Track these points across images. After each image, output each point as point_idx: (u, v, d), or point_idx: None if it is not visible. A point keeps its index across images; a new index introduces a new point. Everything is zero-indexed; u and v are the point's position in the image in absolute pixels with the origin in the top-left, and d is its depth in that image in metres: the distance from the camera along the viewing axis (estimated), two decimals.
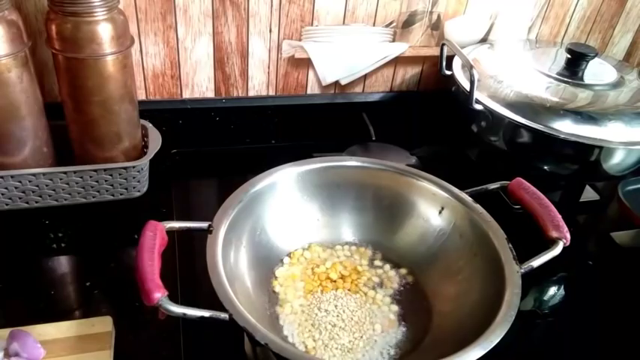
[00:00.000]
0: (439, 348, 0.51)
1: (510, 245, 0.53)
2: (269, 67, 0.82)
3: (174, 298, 0.43)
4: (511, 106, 0.71)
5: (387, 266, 0.61)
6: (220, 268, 0.47)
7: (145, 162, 0.68)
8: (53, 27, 0.59)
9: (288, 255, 0.61)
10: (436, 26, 0.85)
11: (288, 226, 0.61)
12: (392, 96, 0.91)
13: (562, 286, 0.67)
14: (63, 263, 0.63)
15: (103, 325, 0.52)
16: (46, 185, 0.65)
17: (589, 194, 0.83)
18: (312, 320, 0.54)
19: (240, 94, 0.84)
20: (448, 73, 0.82)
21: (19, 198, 0.66)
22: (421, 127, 0.89)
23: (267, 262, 0.59)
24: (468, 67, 0.72)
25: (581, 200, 0.82)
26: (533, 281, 0.63)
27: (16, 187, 0.65)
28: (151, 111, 0.76)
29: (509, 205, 0.70)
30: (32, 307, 0.57)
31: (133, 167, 0.68)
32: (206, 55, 0.78)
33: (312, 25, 0.80)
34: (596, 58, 0.77)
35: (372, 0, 0.79)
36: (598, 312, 0.64)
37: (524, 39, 0.91)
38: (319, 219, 0.63)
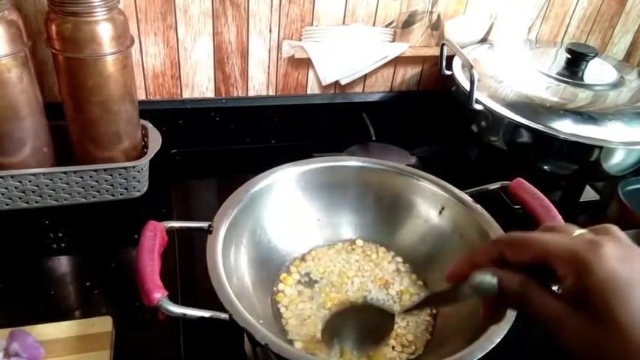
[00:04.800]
0: (440, 348, 0.51)
1: None
2: (269, 67, 0.82)
3: (174, 298, 0.43)
4: (511, 106, 0.71)
5: (387, 266, 0.61)
6: (220, 268, 0.47)
7: (145, 162, 0.68)
8: (53, 27, 0.59)
9: (294, 261, 0.61)
10: (436, 26, 0.85)
11: (288, 226, 0.61)
12: (392, 96, 0.91)
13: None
14: (63, 263, 0.63)
15: (103, 325, 0.52)
16: (46, 185, 0.65)
17: (589, 194, 0.83)
18: (313, 320, 0.54)
19: (240, 94, 0.84)
20: (448, 73, 0.82)
21: (19, 198, 0.66)
22: (421, 127, 0.89)
23: (267, 263, 0.59)
24: (468, 67, 0.72)
25: (581, 200, 0.82)
26: None
27: (16, 187, 0.65)
28: (150, 111, 0.77)
29: (510, 206, 0.70)
30: (32, 307, 0.57)
31: (133, 167, 0.68)
32: (206, 55, 0.78)
33: (312, 25, 0.80)
34: (596, 58, 0.77)
35: (372, 0, 0.79)
36: None
37: (524, 39, 0.91)
38: (319, 219, 0.63)
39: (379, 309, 0.50)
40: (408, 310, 0.45)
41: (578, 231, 0.34)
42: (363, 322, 0.49)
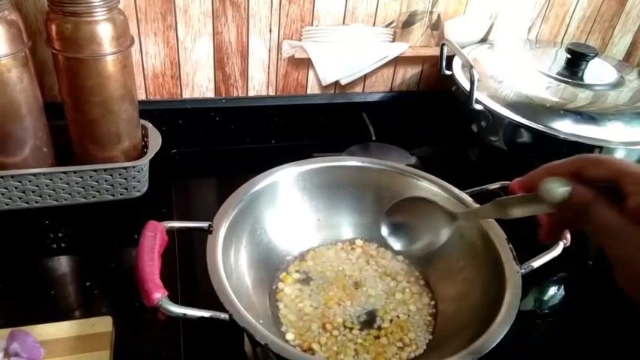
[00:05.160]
0: (441, 348, 0.51)
1: (510, 245, 0.53)
2: (269, 67, 0.82)
3: (174, 298, 0.43)
4: (511, 106, 0.71)
5: (387, 266, 0.61)
6: (220, 268, 0.47)
7: (145, 162, 0.68)
8: (53, 27, 0.59)
9: (294, 261, 0.61)
10: (436, 26, 0.85)
11: (288, 226, 0.61)
12: (392, 96, 0.91)
13: (562, 286, 0.67)
14: (63, 263, 0.63)
15: (103, 325, 0.52)
16: (46, 185, 0.65)
17: None
18: (313, 320, 0.54)
19: (240, 94, 0.84)
20: (448, 73, 0.82)
21: (19, 198, 0.66)
22: (421, 127, 0.89)
23: (267, 262, 0.59)
24: (468, 67, 0.72)
25: None
26: (534, 281, 0.63)
27: (16, 187, 0.65)
28: (151, 111, 0.76)
29: None
30: (32, 307, 0.57)
31: (133, 167, 0.68)
32: (206, 55, 0.78)
33: (312, 25, 0.80)
34: (596, 58, 0.77)
35: (372, 0, 0.79)
36: (598, 312, 0.64)
37: (524, 39, 0.91)
38: (320, 219, 0.63)
39: (442, 208, 0.51)
40: (469, 216, 0.49)
41: None
42: (424, 217, 0.51)
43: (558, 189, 0.37)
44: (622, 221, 0.35)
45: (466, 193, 0.60)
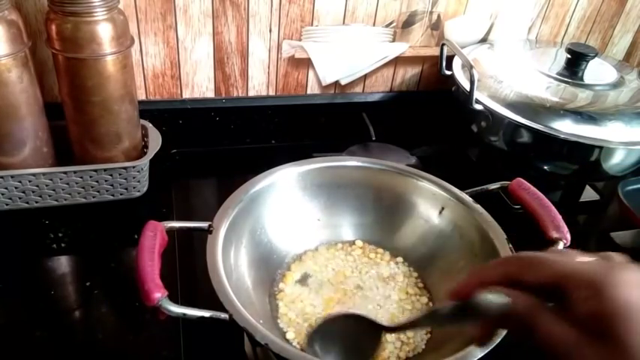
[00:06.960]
0: (440, 348, 0.51)
1: (511, 245, 0.53)
2: (269, 67, 0.82)
3: (174, 298, 0.43)
4: (511, 106, 0.71)
5: (387, 266, 0.61)
6: (220, 268, 0.47)
7: (145, 162, 0.68)
8: (53, 27, 0.59)
9: (294, 261, 0.61)
10: (436, 26, 0.85)
11: (288, 226, 0.61)
12: (392, 96, 0.91)
13: None
14: (63, 263, 0.63)
15: None
16: (46, 185, 0.65)
17: (589, 194, 0.83)
18: (314, 320, 0.54)
19: (240, 94, 0.84)
20: (448, 73, 0.82)
21: (19, 198, 0.66)
22: (421, 127, 0.89)
23: (267, 262, 0.59)
24: (468, 67, 0.72)
25: (581, 200, 0.82)
26: None
27: (16, 187, 0.65)
28: (151, 111, 0.77)
29: (510, 206, 0.70)
30: (32, 307, 0.57)
31: (133, 167, 0.68)
32: (206, 55, 0.78)
33: (312, 25, 0.80)
34: (596, 58, 0.77)
35: (372, 0, 0.79)
36: None
37: (524, 39, 0.91)
38: (320, 219, 0.63)
39: (369, 322, 0.45)
40: (401, 328, 0.43)
41: (587, 257, 0.32)
42: (350, 334, 0.46)
43: (495, 302, 0.32)
44: (573, 334, 0.29)
45: (466, 193, 0.60)
